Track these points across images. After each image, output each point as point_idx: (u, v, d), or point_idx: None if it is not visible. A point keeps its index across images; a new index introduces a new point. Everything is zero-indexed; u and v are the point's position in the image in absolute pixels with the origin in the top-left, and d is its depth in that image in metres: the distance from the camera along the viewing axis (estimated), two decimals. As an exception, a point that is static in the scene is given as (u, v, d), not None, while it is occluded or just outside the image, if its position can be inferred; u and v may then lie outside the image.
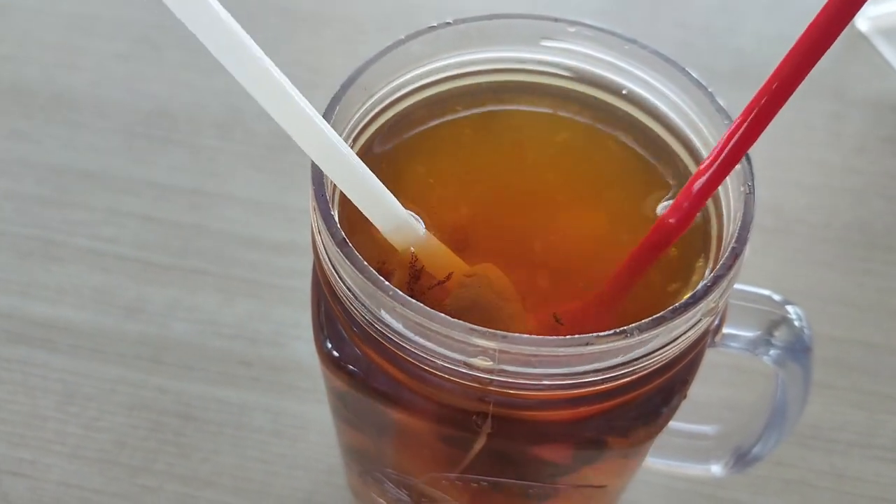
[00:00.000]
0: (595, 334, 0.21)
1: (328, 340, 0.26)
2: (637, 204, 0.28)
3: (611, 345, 0.21)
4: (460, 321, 0.21)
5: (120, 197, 0.49)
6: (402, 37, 0.27)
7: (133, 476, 0.39)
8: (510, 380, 0.22)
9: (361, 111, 0.27)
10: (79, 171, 0.50)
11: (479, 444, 0.25)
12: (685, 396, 0.26)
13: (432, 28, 0.27)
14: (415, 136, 0.28)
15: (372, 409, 0.26)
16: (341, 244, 0.22)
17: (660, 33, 0.59)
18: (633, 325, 0.21)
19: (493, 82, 0.29)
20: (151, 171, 0.50)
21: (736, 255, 0.23)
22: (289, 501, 0.38)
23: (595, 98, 0.29)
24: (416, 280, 0.24)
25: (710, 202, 0.27)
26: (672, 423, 0.27)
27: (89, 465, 0.39)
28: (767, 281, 0.29)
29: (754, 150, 0.25)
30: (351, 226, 0.26)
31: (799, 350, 0.28)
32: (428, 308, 0.21)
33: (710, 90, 0.26)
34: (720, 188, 0.26)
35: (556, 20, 0.28)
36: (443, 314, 0.21)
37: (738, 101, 0.24)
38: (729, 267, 0.22)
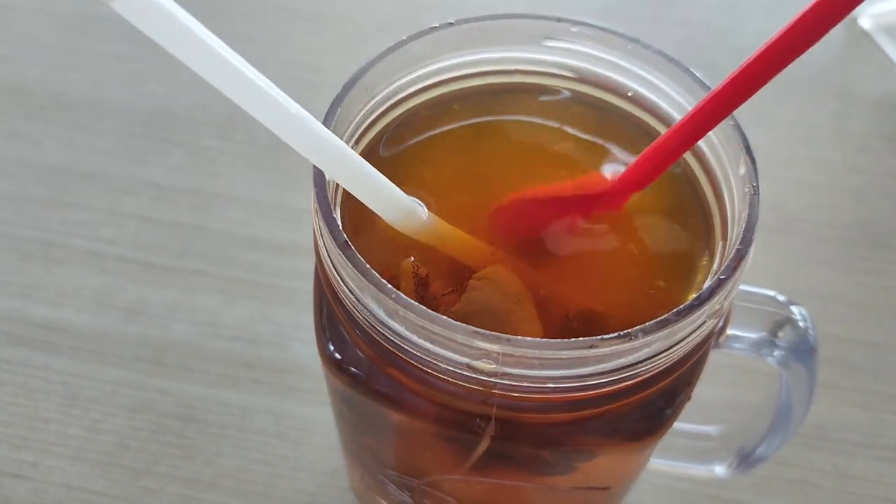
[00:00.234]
0: (599, 337, 0.21)
1: (330, 343, 0.26)
2: (636, 203, 0.27)
3: (615, 347, 0.21)
4: (463, 324, 0.21)
5: (120, 198, 0.49)
6: (405, 37, 0.27)
7: (135, 478, 0.39)
8: (513, 382, 0.22)
9: (363, 112, 0.27)
10: (79, 172, 0.50)
11: (483, 446, 0.25)
12: (689, 398, 0.26)
13: (434, 28, 0.27)
14: (417, 138, 0.28)
15: (374, 411, 0.26)
16: (343, 247, 0.22)
17: (662, 32, 0.59)
18: (637, 327, 0.21)
19: (495, 84, 0.29)
20: (151, 171, 0.50)
21: (741, 256, 0.22)
22: (291, 503, 0.38)
23: (597, 98, 0.29)
24: (424, 288, 0.24)
25: (713, 201, 0.27)
26: (676, 424, 0.27)
27: (91, 468, 0.39)
28: (769, 280, 0.29)
29: (756, 150, 0.25)
30: (354, 228, 0.25)
31: (803, 351, 0.28)
32: (430, 311, 0.21)
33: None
34: (725, 189, 0.26)
35: (558, 20, 0.27)
36: (445, 317, 0.21)
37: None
38: (734, 269, 0.22)
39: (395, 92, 0.28)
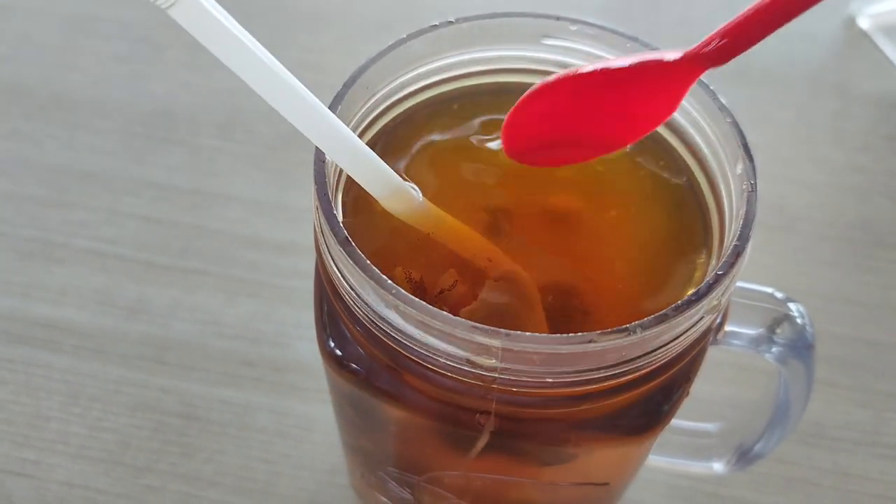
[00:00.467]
0: (597, 332, 0.21)
1: (331, 339, 0.26)
2: (635, 201, 0.28)
3: (613, 342, 0.21)
4: (462, 319, 0.21)
5: (120, 197, 0.49)
6: (404, 35, 0.27)
7: (137, 476, 0.39)
8: (513, 378, 0.22)
9: (363, 110, 0.27)
10: (79, 172, 0.50)
11: (483, 442, 0.25)
12: (688, 394, 0.26)
13: (434, 27, 0.27)
14: (417, 136, 0.28)
15: (374, 407, 0.26)
16: (344, 243, 0.22)
17: (661, 31, 0.59)
18: (636, 322, 0.21)
19: (494, 82, 0.29)
20: (152, 171, 0.50)
21: (738, 253, 0.23)
22: (292, 502, 0.38)
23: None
24: (422, 292, 0.24)
25: (711, 200, 0.27)
26: (674, 421, 0.27)
27: (93, 466, 0.39)
28: (770, 279, 0.29)
29: (756, 150, 0.25)
30: (354, 224, 0.26)
31: (801, 347, 0.28)
32: (430, 306, 0.21)
33: (711, 88, 0.26)
34: (723, 188, 0.26)
35: (557, 18, 0.28)
36: (445, 313, 0.21)
37: (739, 99, 0.24)
38: (731, 265, 0.22)
39: (396, 90, 0.28)
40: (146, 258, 0.46)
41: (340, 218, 0.24)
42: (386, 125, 0.28)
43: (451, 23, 0.27)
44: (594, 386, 0.23)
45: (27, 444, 0.40)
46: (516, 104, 0.24)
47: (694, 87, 0.27)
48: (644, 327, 0.21)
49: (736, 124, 0.25)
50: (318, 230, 0.24)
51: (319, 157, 0.24)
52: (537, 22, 0.28)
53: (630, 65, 0.22)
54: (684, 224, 0.27)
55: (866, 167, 0.52)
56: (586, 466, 0.28)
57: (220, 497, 0.38)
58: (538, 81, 0.26)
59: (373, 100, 0.27)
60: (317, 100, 0.23)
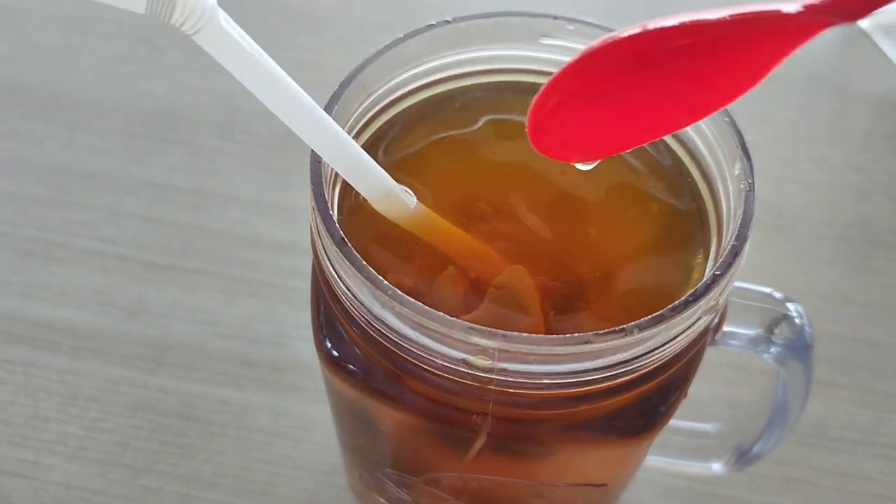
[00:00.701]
0: (594, 332, 0.21)
1: (328, 340, 0.26)
2: (633, 202, 0.28)
3: (610, 343, 0.21)
4: (458, 320, 0.21)
5: (120, 197, 0.49)
6: (401, 35, 0.27)
7: (135, 477, 0.39)
8: (510, 378, 0.22)
9: (360, 110, 0.27)
10: (79, 172, 0.50)
11: (480, 443, 0.25)
12: (685, 395, 0.26)
13: (431, 26, 0.27)
14: (414, 136, 0.28)
15: (372, 408, 0.26)
16: (340, 243, 0.22)
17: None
18: (633, 323, 0.21)
19: (491, 82, 0.29)
20: (152, 171, 0.50)
21: (736, 253, 0.23)
22: (291, 502, 0.38)
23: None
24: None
25: (709, 200, 0.27)
26: (672, 421, 0.27)
27: (91, 466, 0.39)
28: (769, 279, 0.29)
29: (755, 149, 0.25)
30: (350, 224, 0.26)
31: (800, 347, 0.28)
32: (426, 307, 0.21)
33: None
34: (720, 188, 0.26)
35: (555, 18, 0.28)
36: (441, 313, 0.21)
37: (738, 98, 0.24)
38: (729, 265, 0.22)
39: (392, 90, 0.28)
40: (146, 258, 0.46)
41: (337, 218, 0.24)
42: (382, 125, 0.28)
43: (447, 22, 0.27)
44: (591, 387, 0.23)
45: (25, 444, 0.40)
46: (549, 81, 0.20)
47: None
48: (641, 328, 0.21)
49: (733, 123, 0.25)
50: (314, 231, 0.24)
51: (315, 158, 0.24)
52: (535, 21, 0.28)
53: (726, 18, 0.18)
54: (682, 224, 0.27)
55: (865, 167, 0.52)
56: (583, 468, 0.28)
57: (219, 498, 0.38)
58: (535, 80, 0.26)
59: (369, 100, 0.27)
60: (310, 99, 0.23)
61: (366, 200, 0.24)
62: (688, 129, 0.27)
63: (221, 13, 0.20)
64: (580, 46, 0.28)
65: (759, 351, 0.28)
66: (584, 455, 0.27)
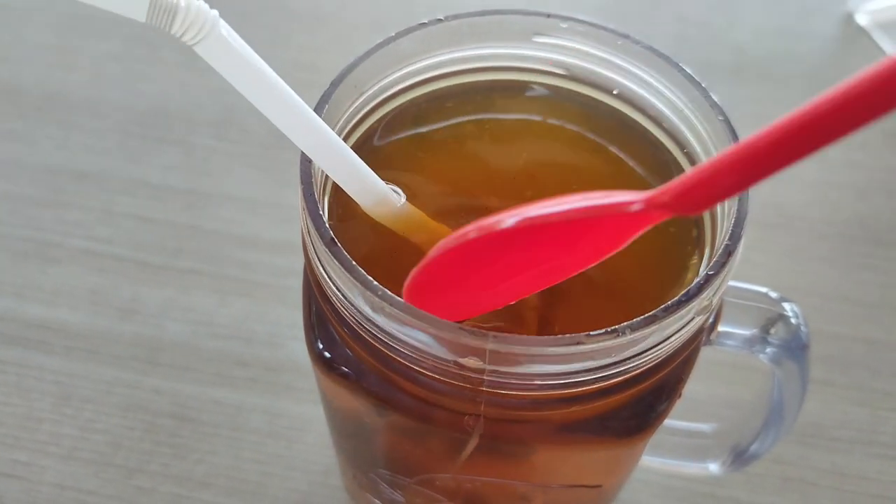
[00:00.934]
0: (586, 333, 0.21)
1: (319, 341, 0.26)
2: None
3: (602, 344, 0.21)
4: (449, 321, 0.21)
5: (115, 197, 0.48)
6: (393, 34, 0.27)
7: (128, 477, 0.39)
8: (501, 380, 0.22)
9: (352, 109, 0.27)
10: (73, 172, 0.50)
11: (472, 444, 0.25)
12: (680, 395, 0.26)
13: (423, 25, 0.27)
14: (406, 135, 0.28)
15: (364, 409, 0.26)
16: (330, 244, 0.22)
17: (658, 28, 0.59)
18: (625, 323, 0.21)
19: (484, 80, 0.29)
20: (146, 171, 0.50)
21: (729, 252, 0.22)
22: (284, 503, 0.38)
23: (587, 95, 0.29)
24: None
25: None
26: (669, 422, 0.27)
27: (84, 467, 0.39)
28: (767, 277, 0.29)
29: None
30: (341, 226, 0.25)
31: (795, 347, 0.28)
32: (417, 308, 0.21)
33: (703, 85, 0.26)
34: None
35: (548, 16, 0.27)
36: (431, 315, 0.21)
37: (737, 97, 0.24)
38: (722, 265, 0.22)
39: (384, 89, 0.28)
40: (140, 258, 0.46)
41: (327, 219, 0.23)
42: (373, 124, 0.28)
43: (440, 20, 0.27)
44: (584, 388, 0.22)
45: (18, 445, 0.40)
46: (420, 267, 0.21)
47: (685, 84, 0.26)
48: (633, 328, 0.21)
49: (728, 122, 0.25)
50: (304, 231, 0.24)
51: (305, 158, 0.24)
52: (528, 19, 0.28)
53: (570, 214, 0.19)
54: (676, 224, 0.27)
55: (864, 164, 0.51)
56: (577, 469, 0.28)
57: (211, 498, 0.38)
58: (528, 78, 0.25)
59: (361, 98, 0.27)
60: (312, 112, 0.22)
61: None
62: (682, 127, 0.27)
63: (222, 24, 0.20)
64: (573, 44, 0.28)
65: (754, 351, 0.28)
66: (577, 456, 0.26)
